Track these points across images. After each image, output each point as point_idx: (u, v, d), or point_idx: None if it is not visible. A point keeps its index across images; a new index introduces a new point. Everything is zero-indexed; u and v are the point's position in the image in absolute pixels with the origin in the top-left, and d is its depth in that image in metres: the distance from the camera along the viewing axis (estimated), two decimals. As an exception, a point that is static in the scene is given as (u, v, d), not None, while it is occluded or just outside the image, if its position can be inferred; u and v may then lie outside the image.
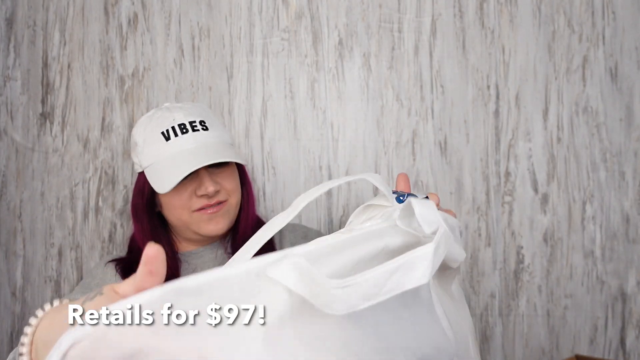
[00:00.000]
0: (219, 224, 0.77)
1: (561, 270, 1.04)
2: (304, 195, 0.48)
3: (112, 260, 0.81)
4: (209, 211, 0.76)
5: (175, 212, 0.76)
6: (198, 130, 0.75)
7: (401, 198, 0.53)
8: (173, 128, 0.74)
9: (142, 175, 0.78)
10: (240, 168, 0.85)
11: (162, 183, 0.72)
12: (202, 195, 0.75)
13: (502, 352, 1.04)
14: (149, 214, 0.80)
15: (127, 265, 0.80)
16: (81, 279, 1.04)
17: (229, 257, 0.81)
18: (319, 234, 0.93)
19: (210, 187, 0.73)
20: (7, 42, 1.05)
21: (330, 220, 1.06)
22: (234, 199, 0.80)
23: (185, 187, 0.74)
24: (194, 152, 0.73)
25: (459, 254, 0.43)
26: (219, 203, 0.77)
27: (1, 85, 1.06)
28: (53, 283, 1.04)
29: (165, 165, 0.73)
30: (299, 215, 1.06)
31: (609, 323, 1.03)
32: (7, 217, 1.05)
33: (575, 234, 1.04)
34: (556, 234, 1.04)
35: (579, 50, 1.04)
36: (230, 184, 0.79)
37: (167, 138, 0.74)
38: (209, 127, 0.77)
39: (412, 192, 0.63)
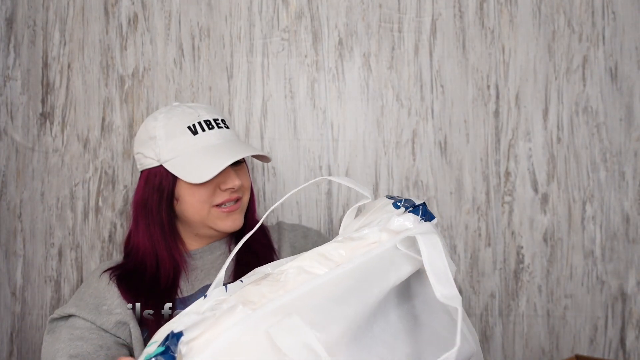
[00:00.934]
0: (236, 221, 0.78)
1: (561, 270, 1.04)
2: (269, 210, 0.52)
3: (107, 270, 0.79)
4: (226, 209, 0.77)
5: (196, 206, 0.76)
6: (222, 127, 0.78)
7: (398, 204, 0.53)
8: (200, 123, 0.76)
9: (158, 169, 0.76)
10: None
11: (199, 173, 0.72)
12: (226, 189, 0.76)
13: (502, 352, 1.04)
14: (167, 211, 0.77)
15: (122, 274, 0.78)
16: (81, 279, 1.04)
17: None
18: (318, 235, 0.93)
19: (236, 181, 0.75)
20: (7, 42, 1.05)
21: (330, 220, 1.06)
22: (247, 197, 0.82)
23: (211, 181, 0.75)
24: (225, 146, 0.75)
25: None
26: (237, 200, 0.78)
27: (1, 85, 1.06)
28: (53, 283, 1.04)
29: (197, 157, 0.74)
30: (299, 216, 1.06)
31: (609, 323, 1.03)
32: (7, 217, 1.05)
33: (576, 234, 1.04)
34: (556, 234, 1.04)
35: (579, 50, 1.04)
36: (246, 182, 0.81)
37: (195, 132, 0.75)
38: (229, 126, 0.81)
39: (407, 196, 0.63)
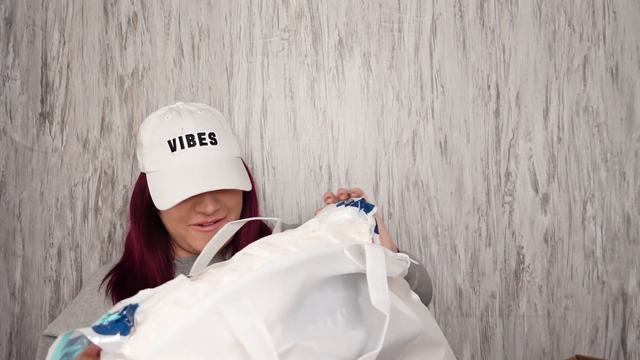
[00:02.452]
0: None
1: (562, 270, 1.04)
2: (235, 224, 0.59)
3: (104, 280, 0.76)
4: (204, 228, 0.73)
5: (172, 223, 0.74)
6: (206, 144, 0.72)
7: (342, 205, 0.58)
8: (180, 138, 0.71)
9: (144, 177, 0.76)
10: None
11: (161, 199, 0.70)
12: (200, 212, 0.73)
13: (502, 353, 1.04)
14: (146, 217, 0.76)
15: (118, 283, 0.75)
16: (80, 279, 1.04)
17: None
18: None
19: (209, 207, 0.71)
20: (6, 41, 1.05)
21: (330, 220, 1.05)
22: (233, 216, 0.77)
23: (185, 202, 0.72)
24: (199, 170, 0.70)
25: (394, 272, 0.49)
26: (217, 221, 0.74)
27: (0, 85, 1.05)
28: (52, 283, 1.04)
29: (167, 178, 0.71)
30: (299, 216, 1.06)
31: (610, 323, 1.03)
32: (6, 217, 1.05)
33: (576, 234, 1.03)
34: (557, 234, 1.04)
35: (580, 50, 1.04)
36: (231, 202, 0.76)
37: (173, 148, 0.71)
38: (218, 140, 0.74)
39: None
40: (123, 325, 0.37)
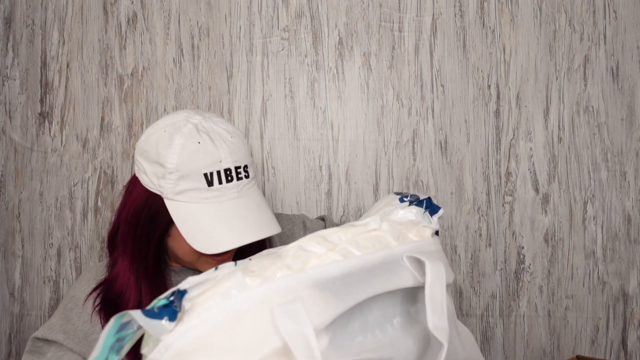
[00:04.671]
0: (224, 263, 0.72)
1: (562, 270, 1.03)
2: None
3: (91, 294, 0.71)
4: (218, 258, 0.70)
5: (187, 252, 0.69)
6: (242, 179, 0.68)
7: (404, 198, 0.54)
8: (218, 172, 0.66)
9: (159, 197, 0.67)
10: None
11: (201, 241, 0.64)
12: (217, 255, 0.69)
13: (502, 353, 1.03)
14: (156, 245, 0.69)
15: (106, 301, 0.70)
16: (80, 279, 1.04)
17: None
18: (303, 224, 0.88)
19: (227, 255, 0.70)
20: (5, 41, 1.05)
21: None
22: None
23: None
24: (238, 213, 0.67)
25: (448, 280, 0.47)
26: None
27: (0, 85, 1.05)
28: (52, 283, 1.04)
29: (205, 219, 0.65)
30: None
31: (611, 324, 1.03)
32: (5, 217, 1.05)
33: (577, 234, 1.03)
34: (557, 234, 1.03)
35: (580, 50, 1.04)
36: None
37: (210, 183, 0.65)
38: (249, 173, 0.70)
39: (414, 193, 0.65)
40: (171, 310, 0.37)
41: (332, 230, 0.48)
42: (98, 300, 0.70)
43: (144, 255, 0.69)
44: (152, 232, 0.68)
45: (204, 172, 0.65)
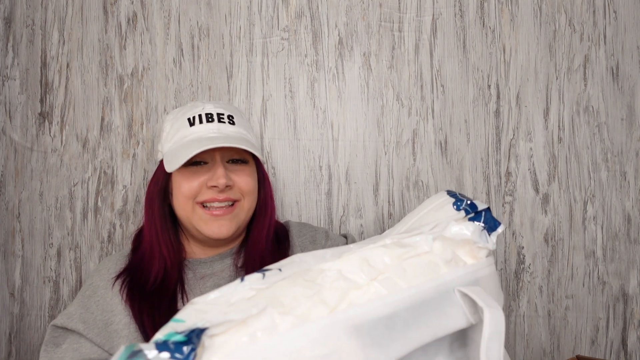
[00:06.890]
0: (222, 227, 0.72)
1: (562, 270, 1.03)
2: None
3: (117, 278, 0.74)
4: (215, 212, 0.72)
5: (182, 201, 0.73)
6: (224, 122, 0.74)
7: (459, 205, 0.49)
8: (200, 116, 0.74)
9: (161, 161, 0.77)
10: (261, 172, 0.80)
11: (172, 163, 0.70)
12: (212, 187, 0.71)
13: (503, 353, 1.03)
14: (160, 202, 0.76)
15: (131, 282, 0.73)
16: (80, 279, 1.04)
17: (239, 272, 0.76)
18: (326, 237, 0.87)
19: (221, 179, 0.70)
20: (5, 41, 1.05)
21: (331, 220, 1.05)
22: (248, 203, 0.75)
23: (197, 175, 0.72)
24: (213, 138, 0.71)
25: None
26: (231, 204, 0.73)
27: (0, 85, 1.05)
28: (52, 283, 1.04)
29: (182, 147, 0.71)
30: (299, 216, 1.05)
31: (611, 324, 1.03)
32: (5, 217, 1.05)
33: (577, 234, 1.03)
34: (557, 234, 1.03)
35: (580, 50, 1.04)
36: (246, 185, 0.74)
37: (192, 124, 0.73)
38: (236, 123, 0.76)
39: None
40: (189, 350, 0.35)
41: (378, 251, 0.43)
42: (125, 288, 0.73)
43: (162, 214, 0.75)
44: (158, 192, 0.76)
45: (188, 117, 0.74)
